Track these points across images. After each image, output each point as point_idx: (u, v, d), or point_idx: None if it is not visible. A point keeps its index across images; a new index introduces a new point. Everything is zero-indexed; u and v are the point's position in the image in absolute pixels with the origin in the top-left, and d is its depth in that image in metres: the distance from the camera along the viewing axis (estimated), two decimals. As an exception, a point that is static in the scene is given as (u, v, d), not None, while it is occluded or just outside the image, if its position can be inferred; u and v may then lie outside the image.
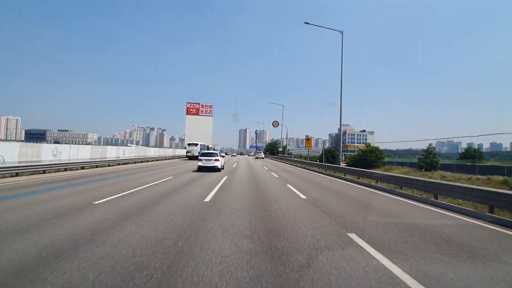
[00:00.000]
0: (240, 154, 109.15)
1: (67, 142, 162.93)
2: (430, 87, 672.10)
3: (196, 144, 38.92)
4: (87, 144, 48.49)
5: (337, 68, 21.02)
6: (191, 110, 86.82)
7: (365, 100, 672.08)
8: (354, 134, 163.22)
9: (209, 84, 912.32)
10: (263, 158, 52.69)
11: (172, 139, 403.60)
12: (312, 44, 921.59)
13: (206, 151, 21.53)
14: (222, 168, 20.24)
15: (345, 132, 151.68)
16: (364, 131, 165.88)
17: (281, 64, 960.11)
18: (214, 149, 62.46)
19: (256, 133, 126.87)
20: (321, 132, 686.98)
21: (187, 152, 40.10)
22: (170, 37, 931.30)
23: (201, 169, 18.03)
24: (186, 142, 63.35)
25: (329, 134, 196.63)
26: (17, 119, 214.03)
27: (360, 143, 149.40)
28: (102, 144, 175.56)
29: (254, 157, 56.71)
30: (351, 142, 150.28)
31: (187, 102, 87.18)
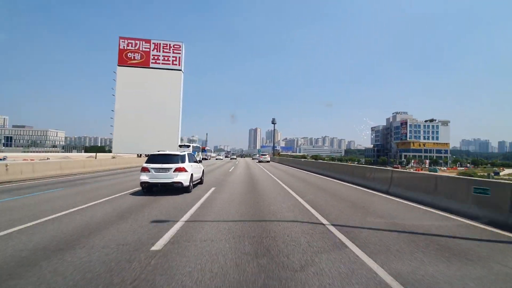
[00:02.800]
0: (241, 157, 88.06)
1: (20, 140, 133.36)
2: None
3: (188, 146, 33.97)
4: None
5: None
6: (129, 56, 37.24)
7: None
8: (419, 126, 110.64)
9: (215, 84, 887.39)
10: (268, 161, 40.55)
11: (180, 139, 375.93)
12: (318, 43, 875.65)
13: (159, 153, 9.70)
14: (200, 182, 11.33)
15: (404, 123, 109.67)
16: (433, 120, 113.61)
17: (290, 63, 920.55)
18: (207, 148, 62.24)
19: (273, 122, 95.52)
20: (338, 131, 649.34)
21: None
22: (173, 37, 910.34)
23: (148, 188, 8.89)
24: (115, 127, 37.84)
25: (372, 128, 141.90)
26: (4, 118, 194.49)
27: (428, 138, 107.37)
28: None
29: (257, 160, 44.12)
30: (415, 138, 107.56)
31: (120, 37, 37.58)
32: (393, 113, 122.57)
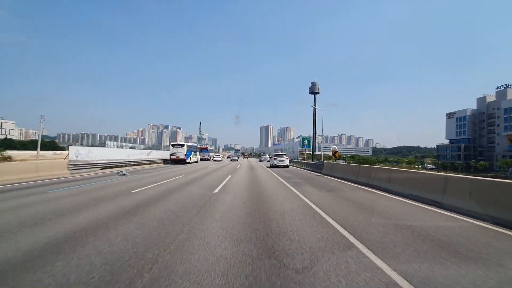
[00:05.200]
0: (244, 157, 79.44)
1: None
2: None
3: (182, 145, 30.42)
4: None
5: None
6: None
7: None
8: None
9: (223, 83, 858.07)
10: (287, 166, 26.57)
11: (188, 138, 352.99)
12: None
13: None
14: None
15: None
16: None
17: (299, 62, 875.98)
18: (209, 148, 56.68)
19: (312, 91, 57.98)
20: (349, 129, 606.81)
21: (171, 154, 31.50)
22: (192, 36, 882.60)
23: None
24: None
25: (449, 116, 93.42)
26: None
27: None
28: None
29: (269, 164, 30.07)
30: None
31: None
32: (497, 87, 78.89)
